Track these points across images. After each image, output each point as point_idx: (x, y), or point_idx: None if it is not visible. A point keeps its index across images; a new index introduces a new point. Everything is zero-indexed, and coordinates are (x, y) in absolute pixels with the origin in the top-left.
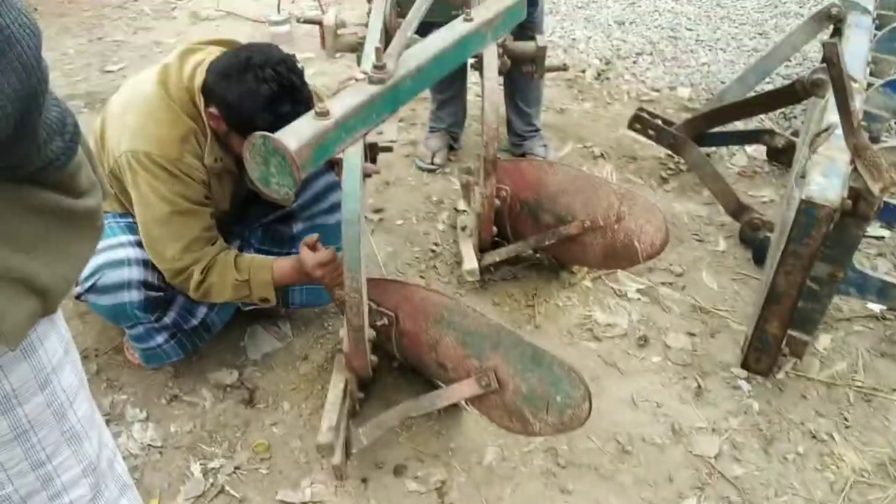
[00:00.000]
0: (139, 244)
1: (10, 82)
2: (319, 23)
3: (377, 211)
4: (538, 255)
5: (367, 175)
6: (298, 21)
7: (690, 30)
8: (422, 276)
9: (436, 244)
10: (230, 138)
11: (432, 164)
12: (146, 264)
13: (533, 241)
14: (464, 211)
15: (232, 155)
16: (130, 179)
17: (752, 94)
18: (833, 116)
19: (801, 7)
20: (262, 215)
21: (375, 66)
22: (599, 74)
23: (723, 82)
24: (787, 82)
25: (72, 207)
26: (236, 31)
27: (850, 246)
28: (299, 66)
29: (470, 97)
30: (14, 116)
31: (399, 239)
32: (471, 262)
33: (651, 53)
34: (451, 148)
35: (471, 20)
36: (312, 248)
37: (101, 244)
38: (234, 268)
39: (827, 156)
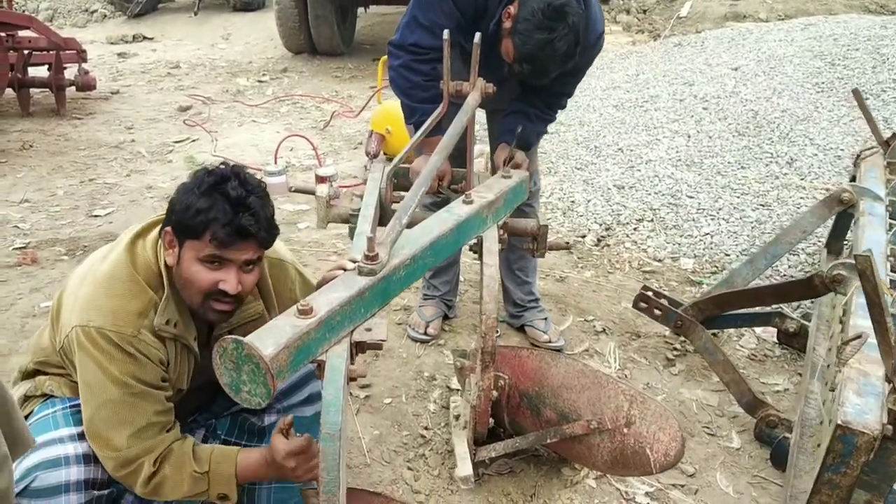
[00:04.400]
0: (81, 436)
1: None
2: (312, 192)
3: (364, 387)
4: (537, 448)
5: (352, 379)
6: (290, 190)
7: (691, 197)
8: (410, 468)
9: (426, 428)
10: (183, 262)
11: (425, 334)
12: (88, 459)
13: (533, 438)
14: (457, 390)
15: (191, 327)
16: (77, 357)
17: (763, 280)
18: (861, 321)
19: (802, 179)
20: (230, 403)
21: (367, 256)
22: (600, 241)
23: (727, 254)
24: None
25: None
26: None
27: (890, 473)
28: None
29: (465, 259)
30: None
31: (386, 421)
32: (465, 467)
33: (652, 220)
34: (445, 317)
35: (471, 202)
36: (285, 433)
37: (37, 439)
38: (191, 458)
39: (859, 370)
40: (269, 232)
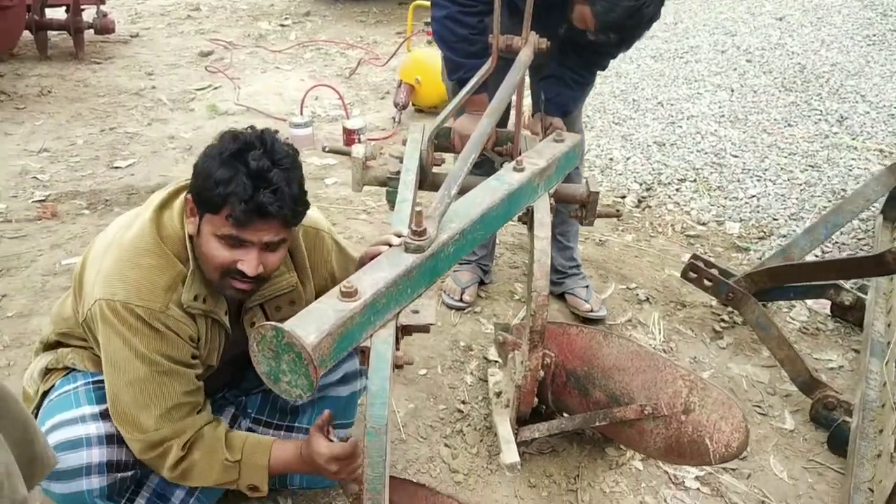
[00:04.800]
0: (104, 415)
1: None
2: (347, 154)
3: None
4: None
5: (398, 366)
6: (324, 150)
7: (736, 156)
8: (447, 445)
9: (463, 402)
10: (202, 235)
11: (461, 301)
12: (111, 440)
13: (580, 420)
14: (495, 362)
15: (222, 301)
16: (102, 333)
17: (823, 251)
18: None
19: (853, 139)
20: (260, 380)
21: (414, 232)
22: (640, 201)
23: (774, 218)
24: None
25: None
26: None
27: None
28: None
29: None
30: None
31: (422, 393)
32: (511, 454)
33: (695, 180)
34: (481, 282)
35: (522, 169)
36: (324, 430)
37: (57, 417)
38: (223, 445)
39: None
40: (293, 211)
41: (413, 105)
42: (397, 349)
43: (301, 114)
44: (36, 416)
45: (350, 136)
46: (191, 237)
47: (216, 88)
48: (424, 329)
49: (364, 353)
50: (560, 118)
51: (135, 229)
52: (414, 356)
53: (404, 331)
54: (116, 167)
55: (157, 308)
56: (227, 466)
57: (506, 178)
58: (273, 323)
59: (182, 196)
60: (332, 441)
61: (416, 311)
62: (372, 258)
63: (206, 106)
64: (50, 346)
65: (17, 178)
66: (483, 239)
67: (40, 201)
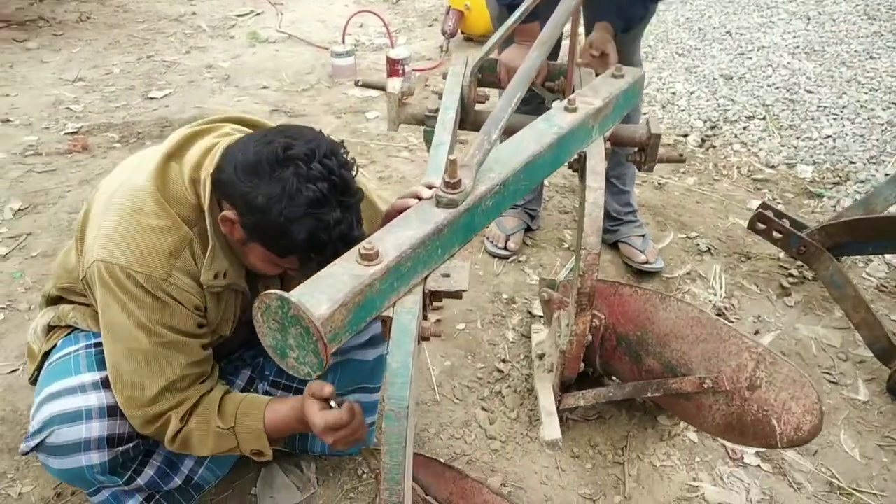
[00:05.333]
0: (106, 383)
1: None
2: (382, 88)
3: (435, 309)
4: None
5: (424, 338)
6: (357, 85)
7: (811, 92)
8: (484, 409)
9: (503, 361)
10: (247, 250)
11: (505, 249)
12: (112, 412)
13: (631, 389)
14: (539, 317)
15: (242, 268)
16: (100, 297)
17: None
18: None
19: None
20: None
21: (447, 183)
22: (704, 141)
23: (851, 161)
24: None
25: None
26: (296, 58)
27: None
28: (350, 158)
29: None
30: None
31: (459, 350)
32: (552, 428)
33: (764, 118)
34: (527, 228)
35: (574, 109)
36: (321, 397)
37: (56, 385)
38: (216, 412)
39: None
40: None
41: (462, 33)
42: (425, 318)
43: (343, 42)
44: (37, 379)
45: (394, 66)
46: (214, 214)
47: (258, 15)
48: (456, 295)
49: (386, 324)
50: (622, 31)
51: (139, 181)
52: (451, 308)
53: (433, 297)
54: (151, 98)
55: (158, 275)
56: (220, 434)
57: (555, 120)
58: (278, 292)
59: (192, 151)
60: (330, 407)
61: (446, 275)
62: (399, 212)
63: (246, 33)
64: (52, 300)
65: (50, 108)
66: (528, 190)
67: (72, 133)
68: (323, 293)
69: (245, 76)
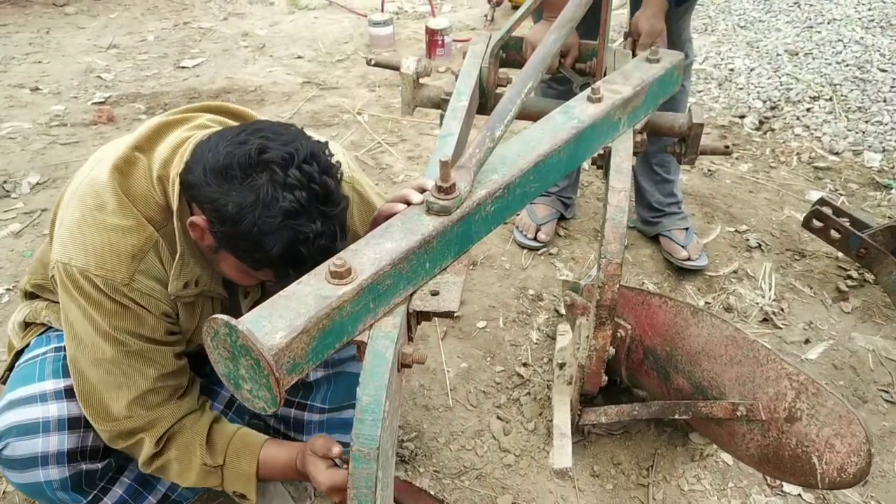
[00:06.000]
0: (69, 392)
1: None
2: (396, 68)
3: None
4: None
5: (405, 366)
6: (369, 63)
7: (884, 70)
8: (500, 417)
9: (525, 364)
10: (219, 258)
11: (535, 240)
12: (74, 424)
13: (658, 408)
14: (567, 317)
15: (215, 274)
16: (62, 300)
17: None
18: None
19: None
20: None
21: (439, 188)
22: (762, 123)
23: None
24: None
25: None
26: (334, 26)
27: None
28: (334, 160)
29: None
30: None
31: (478, 350)
32: (562, 456)
33: (830, 99)
34: (561, 217)
35: (599, 99)
36: (328, 457)
37: (18, 391)
38: (203, 445)
39: None
40: None
41: (509, 1)
42: (410, 339)
43: (382, 10)
44: (6, 380)
45: (433, 37)
46: (182, 219)
47: None
48: (445, 315)
49: (360, 349)
50: (676, 4)
51: (102, 175)
52: (473, 303)
53: (420, 318)
54: (183, 67)
55: (119, 279)
56: (206, 471)
57: (575, 112)
58: (224, 318)
59: (161, 148)
60: (336, 466)
61: (435, 293)
62: (386, 219)
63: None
64: (28, 296)
65: (81, 76)
66: (539, 192)
67: (99, 103)
68: (282, 317)
69: (280, 45)
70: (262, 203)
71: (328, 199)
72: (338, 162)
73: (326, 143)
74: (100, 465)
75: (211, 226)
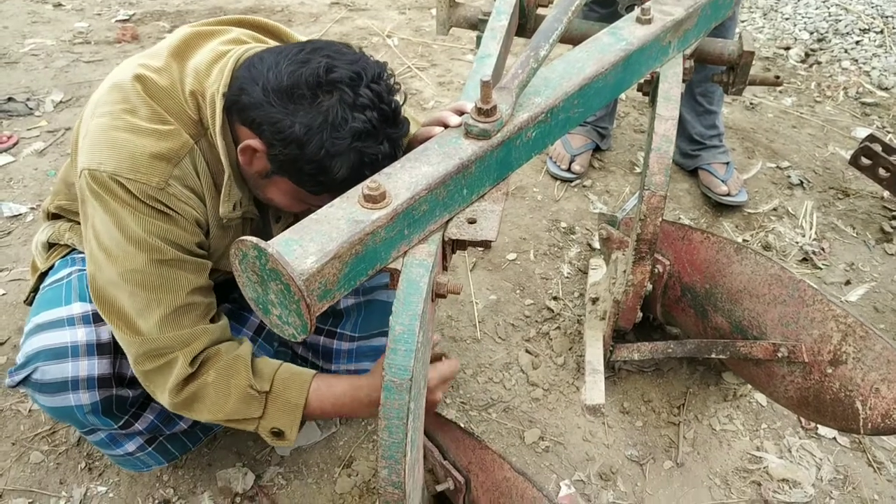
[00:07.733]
0: (97, 316)
1: None
2: None
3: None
4: None
5: (440, 295)
6: None
7: None
8: (528, 351)
9: (555, 298)
10: (268, 183)
11: (570, 171)
12: (104, 350)
13: (693, 347)
14: (600, 251)
15: (251, 193)
16: (89, 211)
17: None
18: None
19: None
20: None
21: (480, 110)
22: (808, 56)
23: None
24: None
25: None
26: None
27: None
28: (395, 84)
29: None
30: None
31: (507, 283)
32: (595, 392)
33: (881, 31)
34: (596, 148)
35: (649, 20)
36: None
37: (44, 314)
38: (249, 367)
39: None
40: None
41: None
42: (445, 268)
43: None
44: (32, 301)
45: None
46: (228, 141)
47: None
48: (482, 244)
49: (393, 277)
50: None
51: (121, 85)
52: (504, 234)
53: (456, 246)
54: None
55: (154, 183)
56: (249, 396)
57: (623, 33)
58: (254, 239)
59: (198, 57)
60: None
61: (472, 220)
62: (423, 142)
63: None
64: (51, 216)
65: None
66: (582, 119)
67: (123, 21)
68: (313, 241)
69: None
70: (330, 124)
71: (395, 120)
72: (398, 84)
73: (386, 63)
74: (131, 393)
75: (270, 149)
